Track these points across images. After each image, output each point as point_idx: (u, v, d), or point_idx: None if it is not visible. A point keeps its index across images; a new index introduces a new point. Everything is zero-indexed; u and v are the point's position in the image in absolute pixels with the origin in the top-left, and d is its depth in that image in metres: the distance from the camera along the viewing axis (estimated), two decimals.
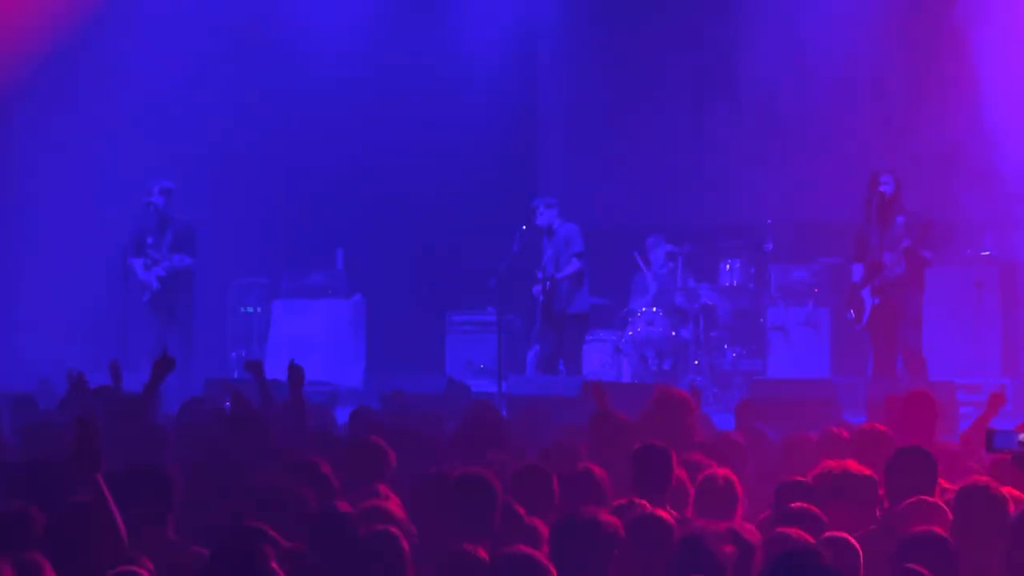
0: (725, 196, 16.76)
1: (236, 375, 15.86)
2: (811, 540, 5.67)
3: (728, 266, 16.07)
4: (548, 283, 14.57)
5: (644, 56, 17.66)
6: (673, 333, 15.51)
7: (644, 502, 6.43)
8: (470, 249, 16.70)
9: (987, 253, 15.13)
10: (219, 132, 16.86)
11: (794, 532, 5.75)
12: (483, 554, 5.51)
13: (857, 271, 13.44)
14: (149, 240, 14.99)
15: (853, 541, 5.73)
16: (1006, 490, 6.16)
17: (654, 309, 15.60)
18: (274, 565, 5.02)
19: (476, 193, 17.46)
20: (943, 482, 6.83)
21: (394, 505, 6.36)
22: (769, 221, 15.91)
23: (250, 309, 17.09)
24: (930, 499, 6.45)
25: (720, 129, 17.13)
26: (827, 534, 5.86)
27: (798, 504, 6.38)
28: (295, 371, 8.75)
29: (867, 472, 6.59)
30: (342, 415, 10.56)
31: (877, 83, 16.43)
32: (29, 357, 15.14)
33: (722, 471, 6.76)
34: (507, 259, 14.55)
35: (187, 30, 17.09)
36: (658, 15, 17.59)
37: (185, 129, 16.73)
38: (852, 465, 6.61)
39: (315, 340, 16.22)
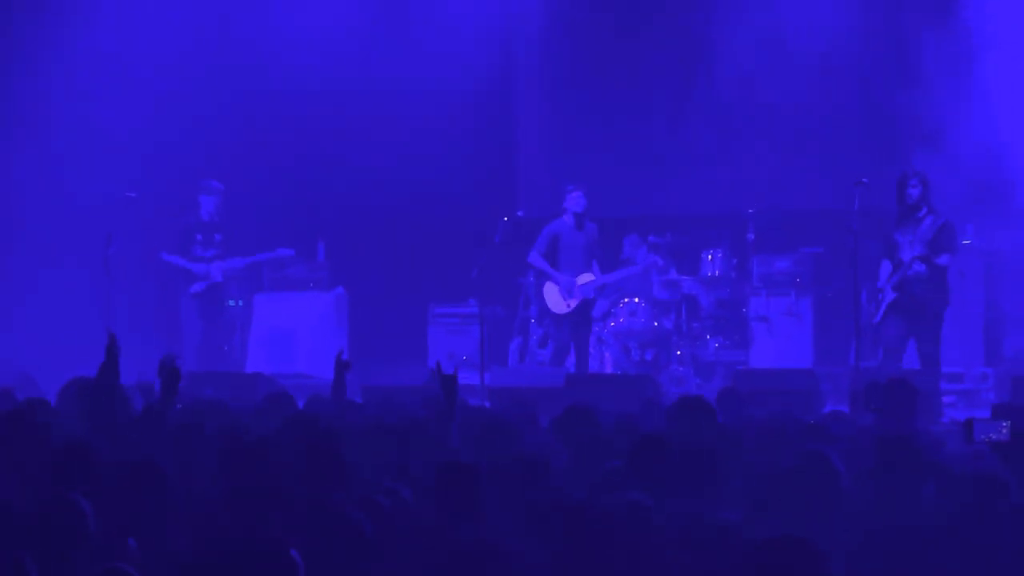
0: (706, 186, 16.73)
1: (219, 368, 15.82)
2: None
3: (710, 256, 16.06)
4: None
5: (623, 45, 17.60)
6: (655, 324, 15.50)
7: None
8: (451, 241, 16.67)
9: (968, 242, 15.13)
10: (198, 126, 16.81)
11: None
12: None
13: (885, 268, 13.46)
14: (198, 237, 15.46)
15: None
16: None
17: (636, 300, 15.59)
18: None
19: (457, 184, 17.42)
20: None
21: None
22: (751, 211, 15.90)
23: (232, 302, 17.04)
24: None
25: (701, 118, 17.09)
26: None
27: None
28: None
29: None
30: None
31: (858, 70, 16.42)
32: (9, 353, 15.07)
33: None
34: (488, 250, 14.53)
35: (170, 25, 17.04)
36: (637, 4, 17.56)
37: (164, 123, 16.68)
38: None
39: (297, 333, 16.24)
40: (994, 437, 5.88)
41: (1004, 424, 5.87)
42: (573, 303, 14.66)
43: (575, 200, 14.60)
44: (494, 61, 17.94)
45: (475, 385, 13.73)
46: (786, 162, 16.48)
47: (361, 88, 17.49)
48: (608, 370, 15.26)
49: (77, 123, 16.64)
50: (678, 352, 15.50)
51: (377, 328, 16.65)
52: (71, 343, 15.04)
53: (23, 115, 16.81)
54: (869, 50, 16.37)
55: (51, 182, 16.56)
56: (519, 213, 15.42)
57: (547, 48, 18.28)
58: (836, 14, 16.32)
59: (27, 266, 16.48)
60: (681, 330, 15.64)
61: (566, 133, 18.13)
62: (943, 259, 13.12)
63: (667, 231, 16.16)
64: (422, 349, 16.68)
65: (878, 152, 14.71)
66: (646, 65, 17.55)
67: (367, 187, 17.52)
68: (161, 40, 16.98)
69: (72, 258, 15.98)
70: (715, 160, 16.79)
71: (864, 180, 13.11)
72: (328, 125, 17.40)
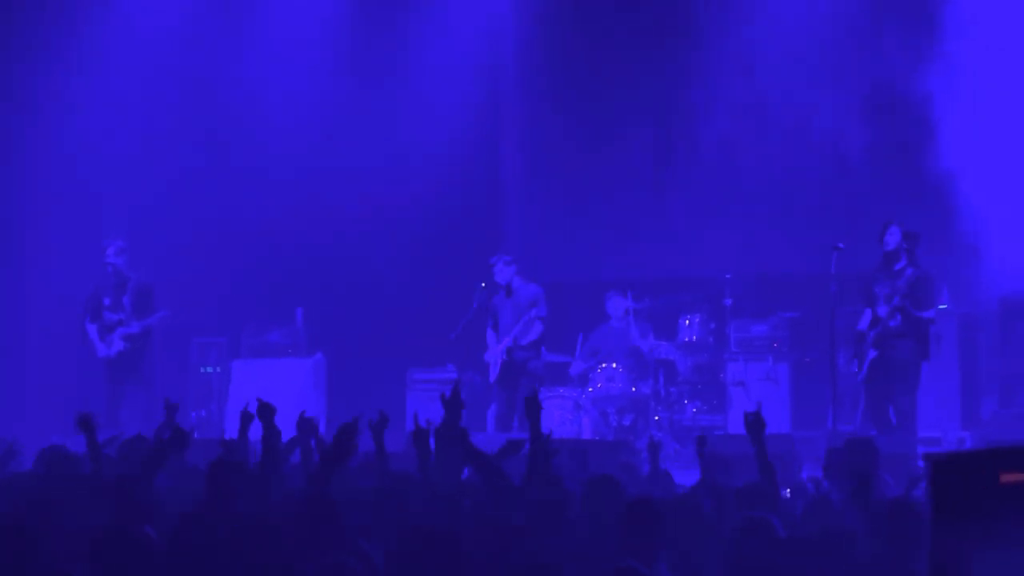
0: (684, 251, 16.81)
1: (196, 435, 15.75)
2: None
3: (688, 321, 16.08)
4: (508, 351, 14.65)
5: (604, 114, 17.72)
6: (633, 389, 15.51)
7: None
8: (429, 307, 16.69)
9: (944, 307, 15.18)
10: (177, 190, 16.85)
11: None
12: None
13: (866, 317, 13.42)
14: (106, 302, 15.06)
15: None
16: None
17: (614, 365, 15.61)
18: None
19: (435, 250, 17.47)
20: None
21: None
22: (728, 276, 15.97)
23: (210, 369, 17.01)
24: None
25: (679, 184, 17.19)
26: None
27: None
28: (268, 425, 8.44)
29: None
30: None
31: (836, 137, 16.51)
32: None
33: None
34: (466, 316, 14.56)
35: (144, 88, 17.11)
36: (619, 70, 17.67)
37: (142, 187, 16.72)
38: None
39: (275, 399, 16.04)
40: None
41: None
42: (495, 369, 14.80)
43: (496, 272, 14.84)
44: (476, 128, 18.02)
45: None
46: (763, 227, 16.55)
47: (340, 154, 17.56)
48: (586, 435, 15.23)
49: (54, 187, 16.68)
50: (656, 417, 15.51)
51: (355, 393, 16.60)
52: (48, 411, 15.02)
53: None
54: (845, 116, 16.47)
55: (26, 248, 16.57)
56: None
57: (530, 116, 18.39)
58: (813, 82, 16.44)
59: (7, 332, 16.45)
60: (659, 395, 15.65)
61: (548, 198, 18.19)
62: (926, 312, 13.11)
63: (645, 295, 16.20)
64: (401, 414, 16.63)
65: (854, 217, 14.77)
66: (626, 132, 17.65)
67: (345, 253, 17.54)
68: (138, 104, 17.03)
69: (52, 325, 15.95)
70: (692, 225, 16.87)
71: (841, 245, 13.18)
72: (306, 191, 17.44)
